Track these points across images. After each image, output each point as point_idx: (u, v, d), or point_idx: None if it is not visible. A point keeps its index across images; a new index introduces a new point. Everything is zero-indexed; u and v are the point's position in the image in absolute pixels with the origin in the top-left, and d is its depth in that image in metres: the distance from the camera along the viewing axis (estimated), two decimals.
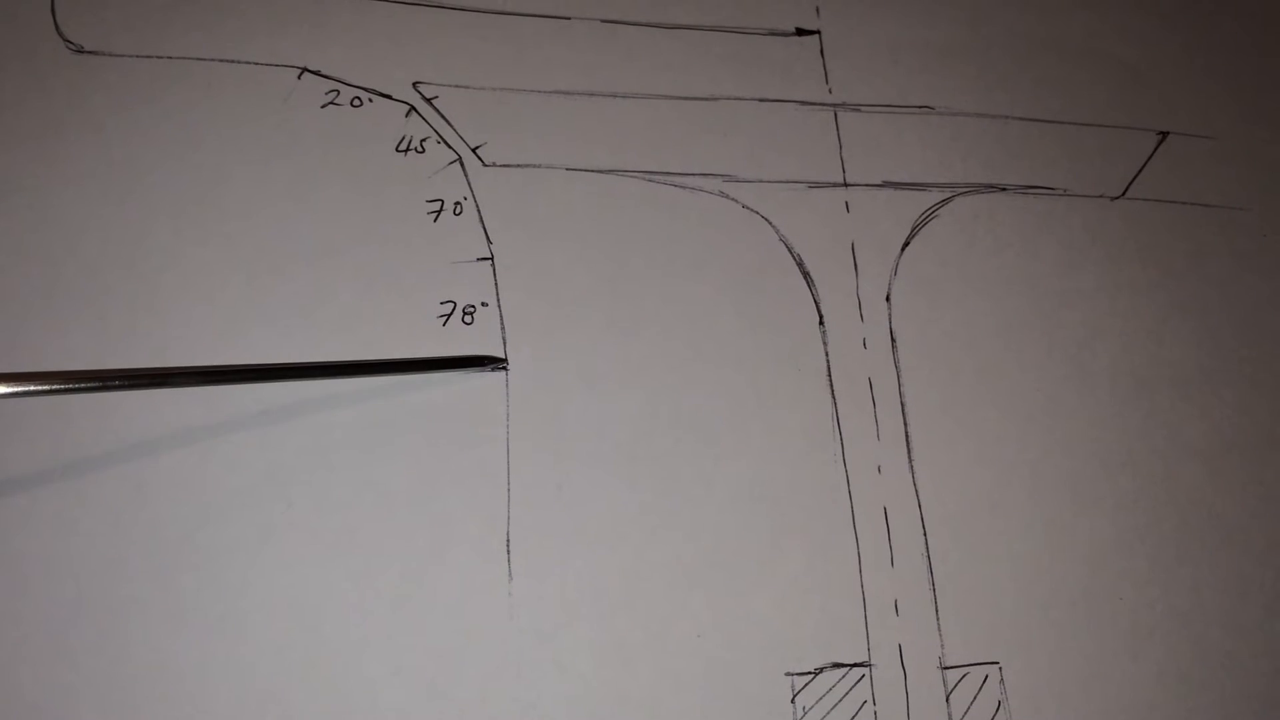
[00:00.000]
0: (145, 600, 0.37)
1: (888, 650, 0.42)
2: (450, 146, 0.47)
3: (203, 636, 0.37)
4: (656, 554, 0.42)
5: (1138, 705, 0.43)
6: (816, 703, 0.41)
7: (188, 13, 0.47)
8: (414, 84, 0.47)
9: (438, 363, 0.42)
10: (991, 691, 0.42)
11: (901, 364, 0.47)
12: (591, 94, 0.49)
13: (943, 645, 0.42)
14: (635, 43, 0.51)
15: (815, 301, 0.47)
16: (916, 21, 0.55)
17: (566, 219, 0.46)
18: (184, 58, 0.46)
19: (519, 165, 0.47)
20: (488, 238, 0.45)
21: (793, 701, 0.40)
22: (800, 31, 0.53)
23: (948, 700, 0.42)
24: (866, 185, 0.50)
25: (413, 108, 0.47)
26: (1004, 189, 0.52)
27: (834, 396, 0.46)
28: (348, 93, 0.46)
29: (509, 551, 0.40)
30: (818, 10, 0.54)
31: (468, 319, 0.44)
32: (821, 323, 0.47)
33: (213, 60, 0.46)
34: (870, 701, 0.41)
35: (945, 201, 0.51)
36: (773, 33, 0.52)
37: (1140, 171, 0.54)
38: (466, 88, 0.48)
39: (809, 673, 0.41)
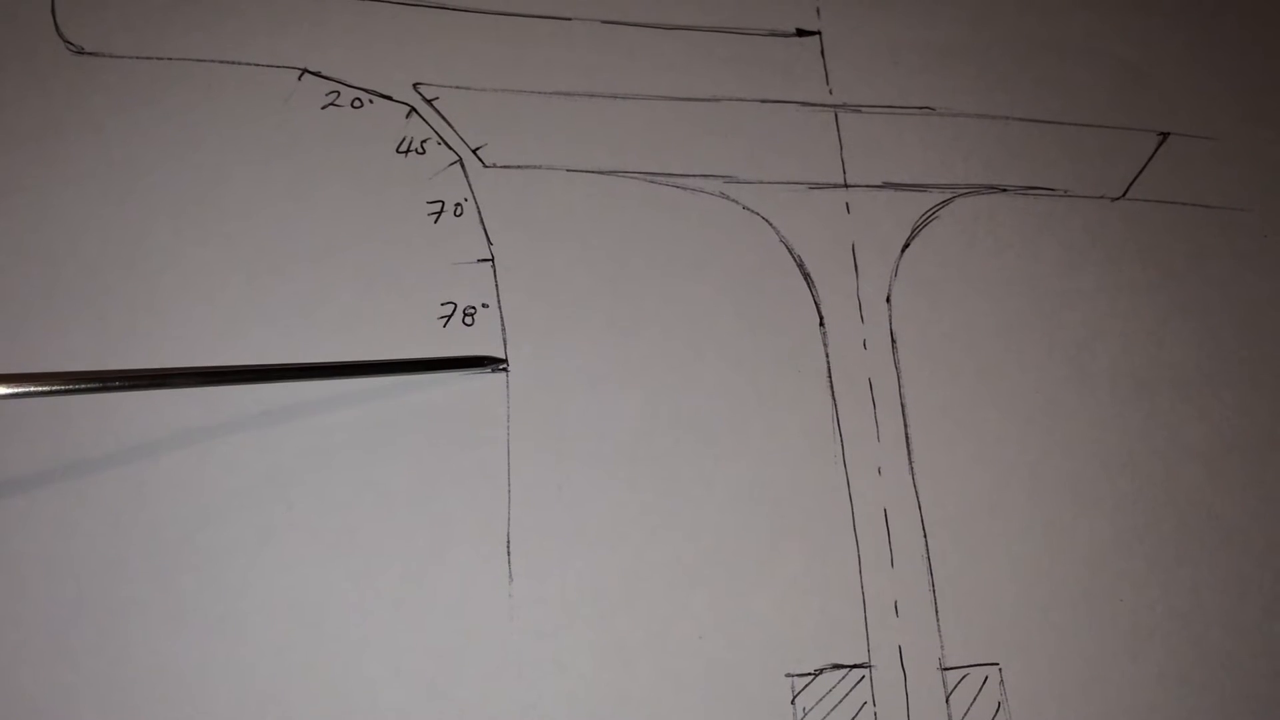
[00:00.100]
0: (145, 601, 0.37)
1: (888, 651, 0.42)
2: (451, 148, 0.47)
3: (203, 637, 0.37)
4: (657, 555, 0.42)
5: (1138, 706, 0.43)
6: (817, 704, 0.40)
7: (188, 13, 0.47)
8: (414, 85, 0.47)
9: (438, 363, 0.42)
10: (991, 693, 0.42)
11: (902, 365, 0.47)
12: (592, 95, 0.49)
13: (943, 646, 0.42)
14: (636, 44, 0.51)
15: (815, 302, 0.47)
16: (917, 22, 0.55)
17: (567, 220, 0.46)
18: (184, 59, 0.46)
19: (519, 166, 0.47)
20: (488, 239, 0.45)
21: (793, 702, 0.40)
22: (801, 32, 0.53)
23: (948, 701, 0.42)
24: (867, 186, 0.50)
25: (413, 109, 0.47)
26: (1004, 190, 0.52)
27: (834, 397, 0.46)
28: (348, 94, 0.46)
29: (509, 552, 0.40)
30: (818, 11, 0.53)
31: (468, 320, 0.44)
32: (822, 324, 0.47)
33: (213, 61, 0.46)
34: (870, 703, 0.41)
35: (946, 202, 0.51)
36: (773, 33, 0.52)
37: (1141, 172, 0.54)
38: (467, 89, 0.48)
39: (809, 674, 0.41)
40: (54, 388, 0.33)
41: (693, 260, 0.47)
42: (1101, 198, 0.53)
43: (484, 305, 0.44)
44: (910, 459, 0.45)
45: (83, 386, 0.34)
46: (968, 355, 0.48)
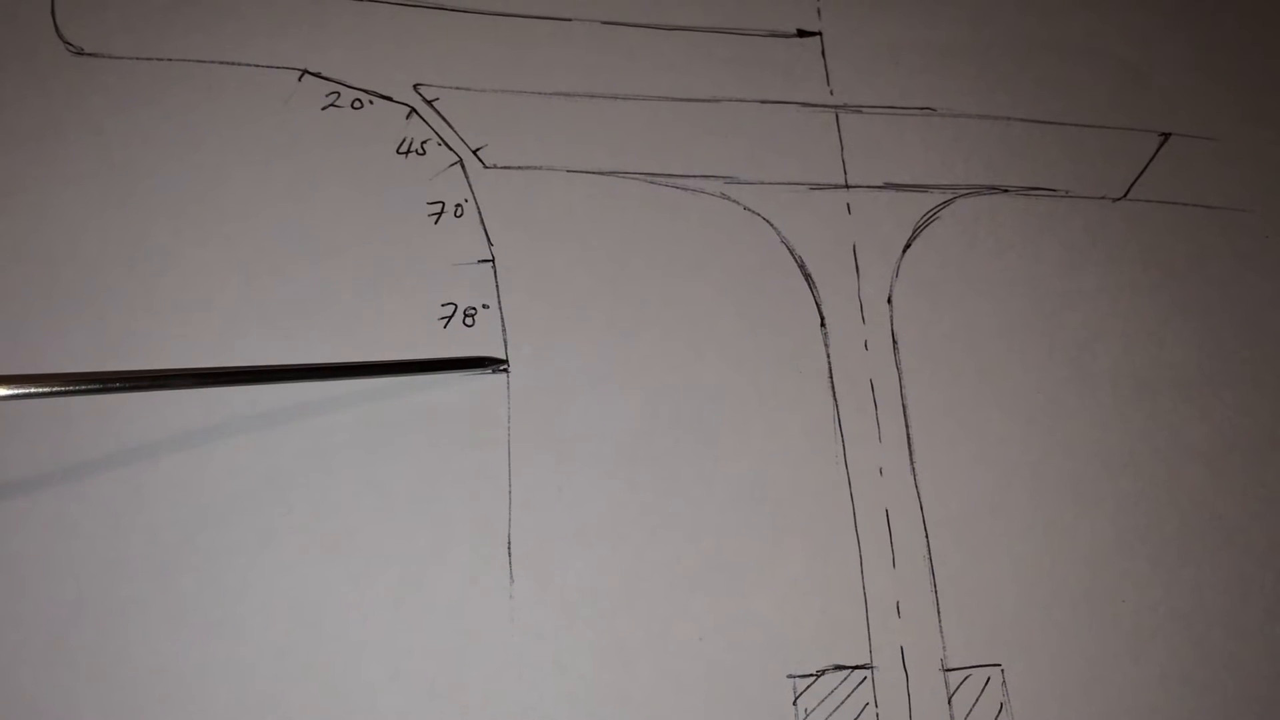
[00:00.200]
0: (145, 602, 0.37)
1: (889, 652, 0.42)
2: (451, 148, 0.47)
3: (202, 639, 0.37)
4: (658, 556, 0.42)
5: (1140, 707, 0.43)
6: (818, 705, 0.40)
7: (188, 14, 0.47)
8: (415, 86, 0.47)
9: (439, 364, 0.42)
10: (993, 693, 0.42)
11: (903, 365, 0.47)
12: (592, 96, 0.49)
13: (944, 647, 0.42)
14: (636, 44, 0.51)
15: (817, 303, 0.47)
16: (918, 23, 0.55)
17: (567, 221, 0.46)
18: (184, 60, 0.46)
19: (520, 167, 0.47)
20: (489, 239, 0.45)
21: (794, 704, 0.40)
22: (802, 33, 0.53)
23: (950, 702, 0.41)
24: (868, 187, 0.50)
25: (413, 110, 0.47)
26: (1005, 190, 0.52)
27: (835, 398, 0.46)
28: (348, 95, 0.46)
29: (510, 553, 0.40)
30: (819, 12, 0.53)
31: (469, 321, 0.44)
32: (823, 324, 0.47)
33: (213, 62, 0.46)
34: (872, 704, 0.41)
35: (947, 203, 0.51)
36: (774, 34, 0.52)
37: (1142, 173, 0.54)
38: (467, 89, 0.48)
39: (810, 675, 0.41)
40: (54, 389, 0.33)
41: (693, 261, 0.47)
42: (1103, 198, 0.53)
43: (484, 306, 0.44)
44: (912, 459, 0.45)
45: (83, 388, 0.34)
46: (969, 356, 0.48)
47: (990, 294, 0.49)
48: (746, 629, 0.41)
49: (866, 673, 0.41)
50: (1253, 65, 0.58)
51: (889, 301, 0.48)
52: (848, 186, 0.50)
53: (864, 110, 0.52)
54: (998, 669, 0.42)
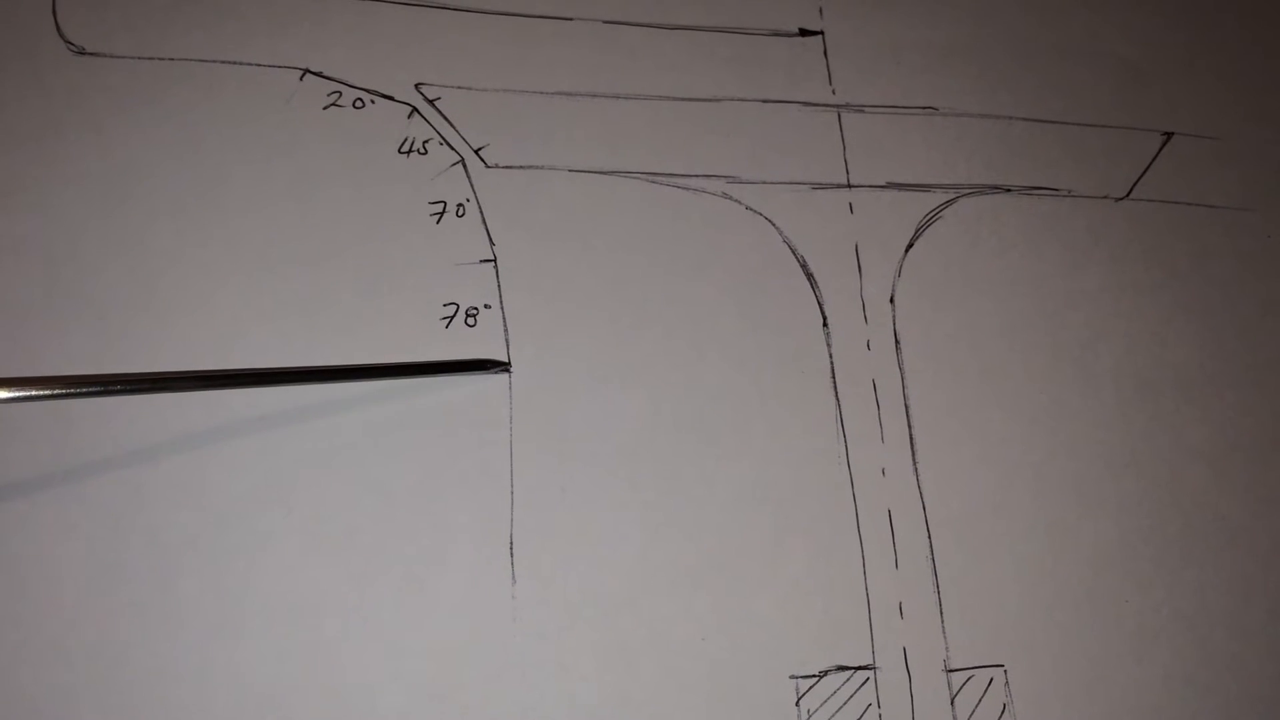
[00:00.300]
0: (145, 604, 0.37)
1: (892, 653, 0.42)
2: (453, 148, 0.46)
3: (203, 641, 0.37)
4: (660, 556, 0.41)
5: (1143, 708, 0.43)
6: (821, 706, 0.40)
7: (189, 14, 0.46)
8: (416, 85, 0.47)
9: (440, 367, 0.42)
10: (996, 694, 0.42)
11: (905, 366, 0.47)
12: (594, 95, 0.49)
13: (947, 648, 0.42)
14: (638, 43, 0.50)
15: (819, 303, 0.47)
16: (920, 22, 0.55)
17: (569, 220, 0.46)
18: (185, 59, 0.46)
19: (522, 166, 0.47)
20: (490, 239, 0.45)
21: (797, 705, 0.40)
22: (804, 32, 0.53)
23: (952, 703, 0.41)
24: (870, 186, 0.50)
25: (415, 109, 0.47)
26: (1008, 190, 0.52)
27: (838, 398, 0.46)
28: (350, 94, 0.46)
29: (512, 554, 0.40)
30: (821, 11, 0.53)
31: (470, 321, 0.44)
32: (825, 324, 0.47)
33: (214, 61, 0.46)
34: (875, 705, 0.41)
35: (949, 203, 0.51)
36: (776, 33, 0.52)
37: (1145, 172, 0.54)
38: (469, 89, 0.48)
39: (813, 676, 0.41)
40: (55, 391, 0.33)
41: (695, 261, 0.47)
42: (1105, 198, 0.53)
43: (486, 306, 0.44)
44: (914, 460, 0.45)
45: (84, 390, 0.34)
46: (972, 355, 0.48)
47: (993, 293, 0.49)
48: (749, 629, 0.41)
49: (869, 673, 0.41)
50: (1255, 65, 0.58)
51: (891, 301, 0.48)
52: (850, 186, 0.50)
53: (866, 110, 0.52)
54: (1000, 670, 0.42)
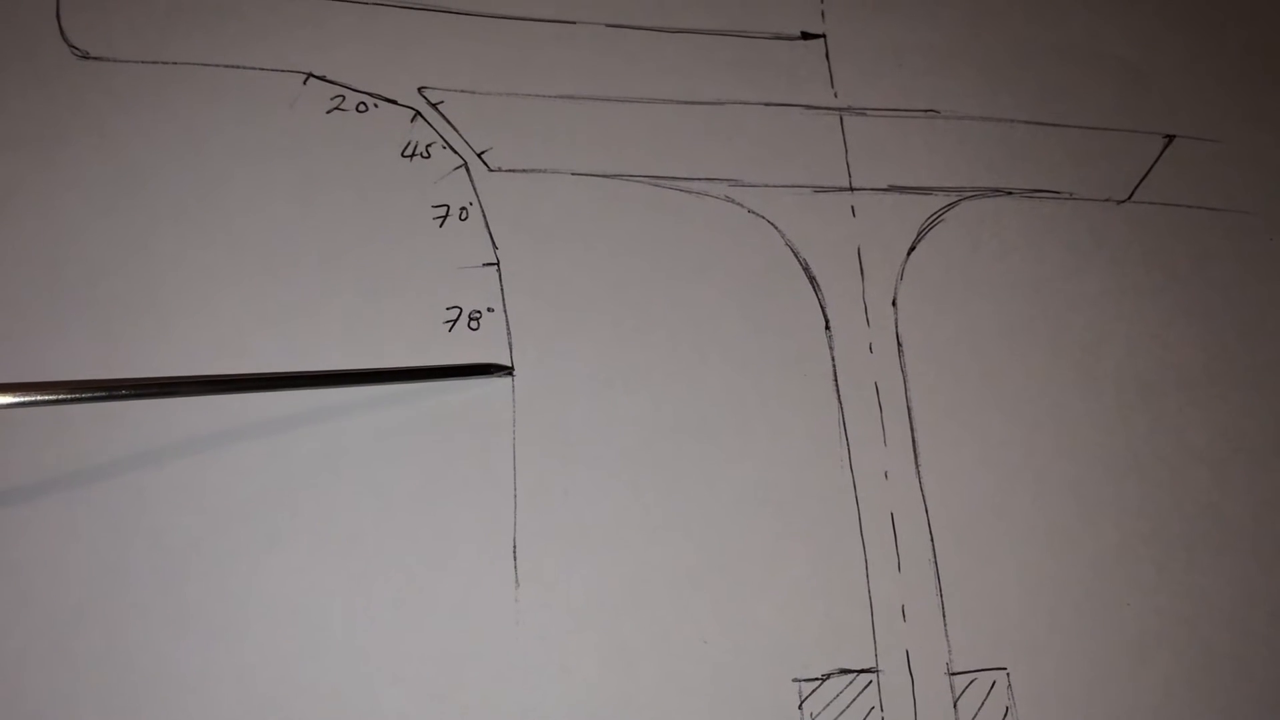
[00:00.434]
0: (148, 608, 0.37)
1: (895, 656, 0.42)
2: (456, 152, 0.46)
3: (206, 644, 0.37)
4: (662, 559, 0.41)
5: (1144, 710, 0.43)
6: (824, 709, 0.40)
7: (192, 18, 0.46)
8: (419, 89, 0.47)
9: (443, 371, 0.42)
10: (999, 697, 0.42)
11: (908, 368, 0.47)
12: (597, 98, 0.49)
13: (950, 651, 0.42)
14: (640, 47, 0.50)
15: (821, 306, 0.47)
16: (921, 25, 0.55)
17: (572, 224, 0.46)
18: (188, 63, 0.46)
19: (525, 170, 0.47)
20: (493, 243, 0.45)
21: (800, 708, 0.40)
22: (806, 35, 0.53)
23: (955, 706, 0.42)
24: (872, 189, 0.50)
25: (418, 113, 0.47)
26: (1009, 193, 0.52)
27: (840, 401, 0.46)
28: (353, 98, 0.46)
29: (515, 556, 0.40)
30: (823, 14, 0.53)
31: (473, 324, 0.44)
32: (828, 327, 0.47)
33: (217, 65, 0.46)
34: (878, 708, 0.41)
35: (951, 205, 0.51)
36: (778, 37, 0.52)
37: (1146, 175, 0.54)
38: (472, 93, 0.48)
39: (816, 679, 0.41)
40: (60, 396, 0.33)
41: (698, 264, 0.47)
42: (1107, 200, 0.53)
43: (489, 309, 0.44)
44: (917, 462, 0.45)
45: (89, 396, 0.34)
46: (973, 358, 0.48)
47: (994, 296, 0.49)
48: (751, 632, 0.41)
49: (872, 676, 0.41)
50: (1256, 68, 0.58)
51: (893, 304, 0.48)
52: (852, 189, 0.50)
53: (868, 113, 0.52)
54: (1003, 672, 0.42)
